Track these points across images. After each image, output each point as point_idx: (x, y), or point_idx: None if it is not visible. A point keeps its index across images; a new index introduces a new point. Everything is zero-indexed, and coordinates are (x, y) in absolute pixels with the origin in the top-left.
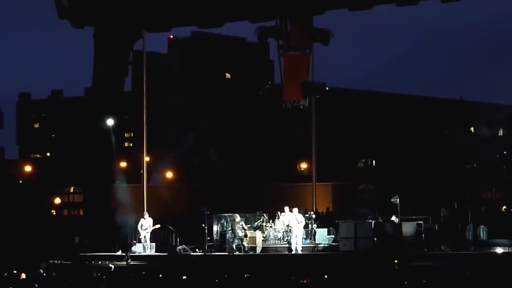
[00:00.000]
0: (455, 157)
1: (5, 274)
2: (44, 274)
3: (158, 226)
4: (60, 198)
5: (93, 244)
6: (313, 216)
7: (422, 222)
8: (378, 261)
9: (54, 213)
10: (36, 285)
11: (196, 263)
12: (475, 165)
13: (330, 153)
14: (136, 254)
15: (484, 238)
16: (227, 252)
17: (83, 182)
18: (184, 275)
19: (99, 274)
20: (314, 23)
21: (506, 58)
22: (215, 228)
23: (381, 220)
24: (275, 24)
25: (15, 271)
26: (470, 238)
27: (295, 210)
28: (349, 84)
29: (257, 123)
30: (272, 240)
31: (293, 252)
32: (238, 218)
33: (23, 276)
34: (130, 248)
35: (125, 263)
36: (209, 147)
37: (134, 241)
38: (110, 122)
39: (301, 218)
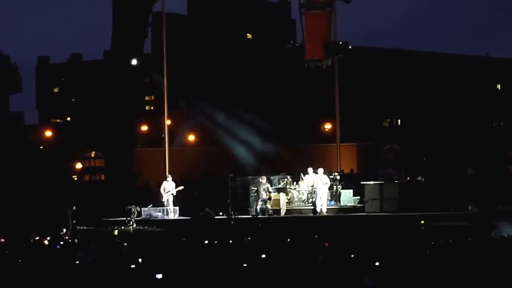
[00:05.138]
0: (481, 115)
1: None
2: (68, 240)
3: (181, 187)
4: (81, 163)
5: (114, 209)
6: (338, 177)
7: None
8: (404, 222)
9: (76, 179)
10: (58, 247)
11: (220, 226)
12: (501, 123)
13: (355, 113)
14: (159, 218)
15: None
16: (251, 215)
17: (104, 146)
18: (207, 239)
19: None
20: None
21: None
22: (239, 191)
23: (407, 180)
24: None
25: (38, 237)
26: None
27: (320, 171)
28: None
29: (280, 83)
30: (296, 202)
31: (318, 214)
32: (264, 179)
33: (46, 242)
34: (134, 213)
35: (129, 228)
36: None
37: (136, 207)
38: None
39: (325, 179)
